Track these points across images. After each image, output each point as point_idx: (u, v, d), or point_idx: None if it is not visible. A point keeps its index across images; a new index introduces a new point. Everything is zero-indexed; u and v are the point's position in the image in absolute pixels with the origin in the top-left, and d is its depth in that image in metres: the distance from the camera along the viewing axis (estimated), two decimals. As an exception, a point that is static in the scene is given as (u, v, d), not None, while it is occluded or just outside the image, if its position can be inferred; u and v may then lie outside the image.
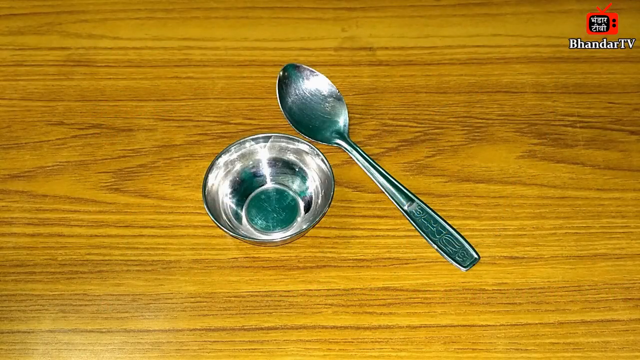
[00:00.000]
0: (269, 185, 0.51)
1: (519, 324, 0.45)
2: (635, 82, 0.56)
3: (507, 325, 0.45)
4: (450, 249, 0.47)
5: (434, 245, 0.48)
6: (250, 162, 0.51)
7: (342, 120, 0.53)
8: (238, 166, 0.50)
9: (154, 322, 0.45)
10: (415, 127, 0.54)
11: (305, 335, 0.45)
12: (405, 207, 0.49)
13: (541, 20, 0.60)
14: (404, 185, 0.50)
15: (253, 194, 0.50)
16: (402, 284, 0.47)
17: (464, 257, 0.47)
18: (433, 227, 0.48)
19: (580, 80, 0.56)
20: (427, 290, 0.46)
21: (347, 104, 0.54)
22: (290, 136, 0.50)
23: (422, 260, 0.48)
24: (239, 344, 0.45)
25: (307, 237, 0.49)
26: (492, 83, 0.56)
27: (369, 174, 0.51)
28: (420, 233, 0.48)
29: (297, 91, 0.54)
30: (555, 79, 0.56)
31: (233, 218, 0.49)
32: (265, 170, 0.51)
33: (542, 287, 0.47)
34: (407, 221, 0.49)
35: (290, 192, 0.51)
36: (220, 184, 0.50)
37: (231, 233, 0.47)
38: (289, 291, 0.47)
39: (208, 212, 0.46)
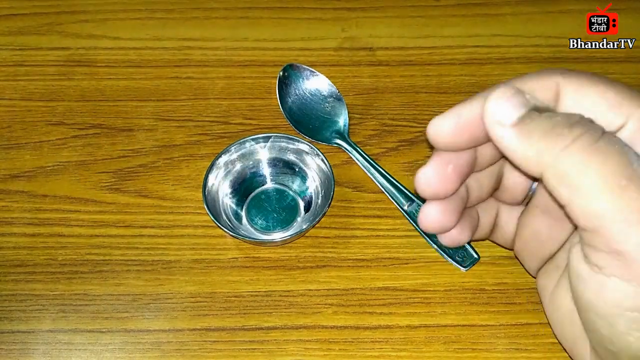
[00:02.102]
0: (269, 185, 0.51)
1: (519, 324, 0.45)
2: (635, 82, 0.56)
3: (507, 325, 0.45)
4: (450, 249, 0.47)
5: (433, 245, 0.48)
6: (251, 162, 0.51)
7: (342, 120, 0.53)
8: (238, 166, 0.50)
9: (154, 322, 0.45)
10: (415, 127, 0.54)
11: (305, 335, 0.45)
12: (405, 207, 0.49)
13: (541, 20, 0.60)
14: (404, 185, 0.50)
15: (253, 194, 0.50)
16: (402, 284, 0.47)
17: (464, 257, 0.47)
18: (433, 227, 0.48)
19: (580, 80, 0.56)
20: (427, 290, 0.46)
21: (347, 104, 0.54)
22: (290, 136, 0.50)
23: (422, 260, 0.48)
24: (239, 343, 0.45)
25: (307, 237, 0.49)
26: (492, 83, 0.56)
27: (369, 174, 0.51)
28: (420, 233, 0.48)
29: (297, 91, 0.54)
30: (555, 79, 0.56)
31: (233, 218, 0.49)
32: (265, 170, 0.51)
33: (542, 287, 0.47)
34: (407, 221, 0.49)
35: (290, 192, 0.51)
36: (220, 184, 0.50)
37: (231, 233, 0.47)
38: (289, 291, 0.47)
39: (208, 212, 0.46)
